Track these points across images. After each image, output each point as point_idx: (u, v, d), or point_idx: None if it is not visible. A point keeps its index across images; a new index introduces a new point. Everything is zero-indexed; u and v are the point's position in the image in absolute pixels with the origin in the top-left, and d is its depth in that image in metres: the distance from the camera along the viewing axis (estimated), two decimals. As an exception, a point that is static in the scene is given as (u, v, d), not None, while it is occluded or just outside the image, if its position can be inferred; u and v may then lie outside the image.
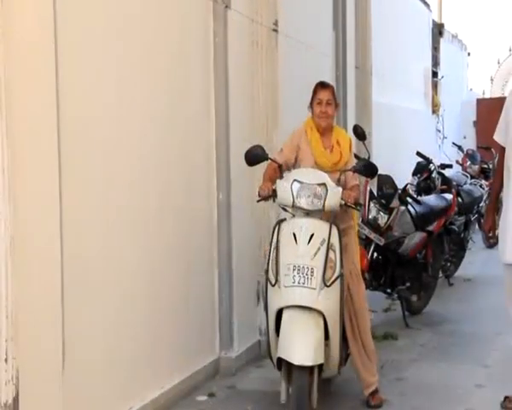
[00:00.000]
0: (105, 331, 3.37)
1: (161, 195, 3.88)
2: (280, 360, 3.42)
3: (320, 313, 3.40)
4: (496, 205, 4.11)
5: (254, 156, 3.76)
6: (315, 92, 3.89)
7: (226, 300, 4.49)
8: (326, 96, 3.85)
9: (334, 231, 3.52)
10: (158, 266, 3.83)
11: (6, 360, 2.61)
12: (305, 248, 3.43)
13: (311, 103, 3.90)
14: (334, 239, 3.50)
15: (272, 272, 3.46)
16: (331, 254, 3.46)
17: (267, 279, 3.50)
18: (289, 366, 3.36)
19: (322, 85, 3.90)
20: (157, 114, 3.83)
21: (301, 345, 3.32)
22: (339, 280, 3.47)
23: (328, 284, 3.39)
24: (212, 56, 4.39)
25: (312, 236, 3.46)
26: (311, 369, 3.35)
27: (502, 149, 3.91)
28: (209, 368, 4.37)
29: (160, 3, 3.86)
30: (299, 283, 3.37)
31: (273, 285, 3.44)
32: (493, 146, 3.97)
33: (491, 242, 4.08)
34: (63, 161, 3.01)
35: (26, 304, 2.74)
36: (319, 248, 3.43)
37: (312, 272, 3.38)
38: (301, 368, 3.30)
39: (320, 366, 3.42)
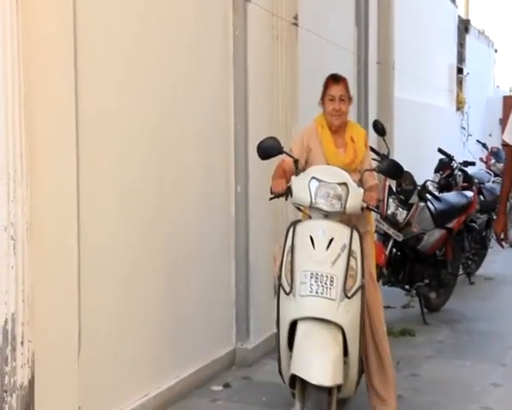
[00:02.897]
0: (121, 318, 3.41)
1: (179, 187, 3.90)
2: (293, 377, 3.08)
3: (339, 327, 3.08)
4: (506, 207, 4.00)
5: (267, 149, 3.40)
6: (326, 87, 3.51)
7: (243, 291, 4.52)
8: (339, 92, 3.48)
9: (356, 236, 3.19)
10: (174, 256, 3.86)
11: (22, 343, 2.66)
12: (324, 253, 3.10)
13: (323, 99, 3.53)
14: (356, 245, 3.18)
15: (286, 279, 3.13)
16: (352, 262, 3.13)
17: (280, 286, 3.16)
18: (304, 384, 3.02)
19: (334, 79, 3.51)
20: (175, 107, 3.85)
21: (320, 363, 2.97)
22: (360, 291, 3.15)
23: (349, 295, 3.08)
24: (231, 49, 4.41)
25: (332, 240, 3.13)
26: (329, 389, 3.01)
27: (511, 150, 3.77)
28: (225, 359, 4.40)
29: (180, -4, 3.89)
30: (316, 292, 3.04)
31: (287, 294, 3.10)
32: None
33: (504, 244, 3.95)
34: (81, 148, 3.05)
35: (42, 288, 2.79)
36: (339, 255, 3.11)
37: (332, 281, 3.06)
38: (319, 388, 2.95)
39: (339, 386, 3.10)
